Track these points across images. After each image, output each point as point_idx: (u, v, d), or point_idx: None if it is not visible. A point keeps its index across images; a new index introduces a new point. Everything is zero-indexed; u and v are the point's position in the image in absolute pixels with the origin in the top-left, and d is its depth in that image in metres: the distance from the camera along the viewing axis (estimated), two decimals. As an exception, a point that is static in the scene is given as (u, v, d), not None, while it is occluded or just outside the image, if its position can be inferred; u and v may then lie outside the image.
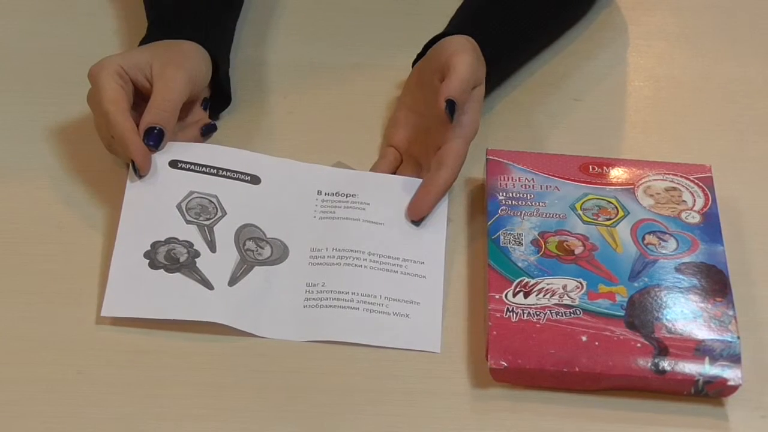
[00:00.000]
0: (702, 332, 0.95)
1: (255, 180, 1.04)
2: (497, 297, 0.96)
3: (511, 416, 0.93)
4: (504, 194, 1.04)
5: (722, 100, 1.19)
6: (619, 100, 1.19)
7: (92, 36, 1.21)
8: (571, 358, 0.93)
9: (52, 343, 0.96)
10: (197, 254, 0.99)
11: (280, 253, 1.00)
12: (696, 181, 1.06)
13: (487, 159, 1.06)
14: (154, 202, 1.01)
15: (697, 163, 1.07)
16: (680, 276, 0.98)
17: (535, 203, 1.03)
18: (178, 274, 0.98)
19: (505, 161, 1.06)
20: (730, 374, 0.93)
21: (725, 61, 1.23)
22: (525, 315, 0.95)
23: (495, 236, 1.01)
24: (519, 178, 1.05)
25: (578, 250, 1.00)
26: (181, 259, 0.98)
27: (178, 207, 1.01)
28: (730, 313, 0.96)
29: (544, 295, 0.97)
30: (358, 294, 0.98)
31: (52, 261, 1.01)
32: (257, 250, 1.00)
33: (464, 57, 1.03)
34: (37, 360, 0.95)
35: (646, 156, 1.09)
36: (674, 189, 1.05)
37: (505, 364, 0.93)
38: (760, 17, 1.28)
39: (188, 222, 1.00)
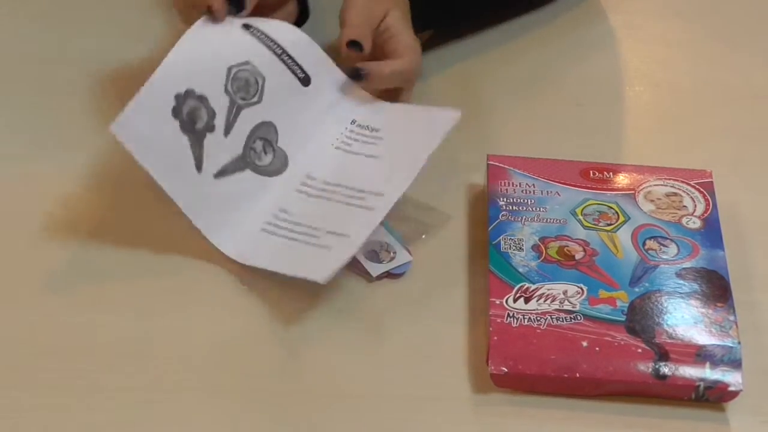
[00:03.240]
0: (703, 337, 0.95)
1: (306, 81, 1.03)
2: (498, 302, 0.97)
3: (512, 421, 0.93)
4: (505, 199, 1.04)
5: (723, 105, 1.19)
6: (619, 106, 1.19)
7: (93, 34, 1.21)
8: (572, 363, 0.93)
9: (51, 346, 0.96)
10: (212, 128, 0.98)
11: (277, 166, 0.99)
12: (696, 186, 1.06)
13: (487, 164, 1.06)
14: (210, 53, 1.00)
15: (698, 168, 1.07)
16: (681, 281, 0.98)
17: (536, 208, 1.03)
18: (185, 137, 0.97)
19: (505, 166, 1.06)
20: (731, 379, 0.93)
21: (726, 66, 1.23)
22: (526, 320, 0.95)
23: (496, 241, 1.01)
24: (520, 183, 1.05)
25: (579, 256, 1.00)
26: (198, 125, 0.97)
27: (229, 70, 1.00)
28: (731, 318, 0.96)
29: (544, 301, 0.97)
30: (310, 227, 0.98)
31: (52, 263, 1.01)
32: (260, 153, 0.98)
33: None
34: (36, 365, 0.95)
35: (646, 161, 1.09)
36: (675, 194, 1.05)
37: (506, 370, 0.93)
38: (760, 23, 1.28)
39: (226, 91, 0.99)
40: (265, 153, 0.99)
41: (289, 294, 1.00)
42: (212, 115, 0.98)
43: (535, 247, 1.00)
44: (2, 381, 0.94)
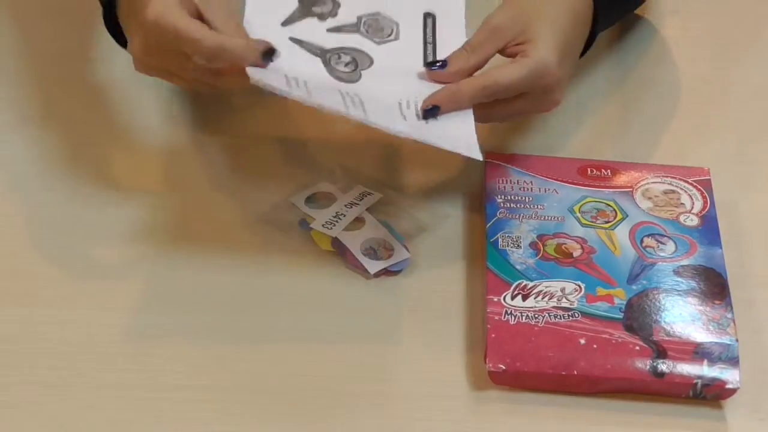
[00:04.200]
0: (700, 335, 0.95)
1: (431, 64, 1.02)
2: (496, 300, 0.97)
3: (510, 419, 0.93)
4: (502, 197, 1.04)
5: (721, 103, 1.19)
6: (617, 103, 1.19)
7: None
8: (570, 361, 0.93)
9: (50, 346, 0.96)
10: (322, 18, 1.00)
11: (349, 78, 0.98)
12: (694, 183, 1.06)
13: (485, 162, 1.06)
14: None
15: (696, 165, 1.07)
16: (678, 279, 0.98)
17: (534, 206, 1.03)
18: None
19: (503, 164, 1.06)
20: (729, 377, 0.93)
21: (724, 64, 1.23)
22: (523, 318, 0.95)
23: (493, 239, 1.01)
24: (517, 180, 1.05)
25: (577, 253, 1.00)
26: (314, 8, 1.00)
27: (376, 13, 1.03)
28: (729, 315, 0.96)
29: (542, 298, 0.97)
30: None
31: (50, 263, 1.01)
32: (341, 62, 0.99)
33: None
34: (35, 363, 0.95)
35: (644, 159, 1.09)
36: (672, 192, 1.05)
37: (504, 367, 0.93)
38: (759, 21, 1.28)
39: (359, 20, 1.02)
40: (346, 65, 0.98)
41: (286, 291, 1.00)
42: (334, 12, 1.00)
43: (532, 245, 1.00)
44: (2, 380, 0.94)
